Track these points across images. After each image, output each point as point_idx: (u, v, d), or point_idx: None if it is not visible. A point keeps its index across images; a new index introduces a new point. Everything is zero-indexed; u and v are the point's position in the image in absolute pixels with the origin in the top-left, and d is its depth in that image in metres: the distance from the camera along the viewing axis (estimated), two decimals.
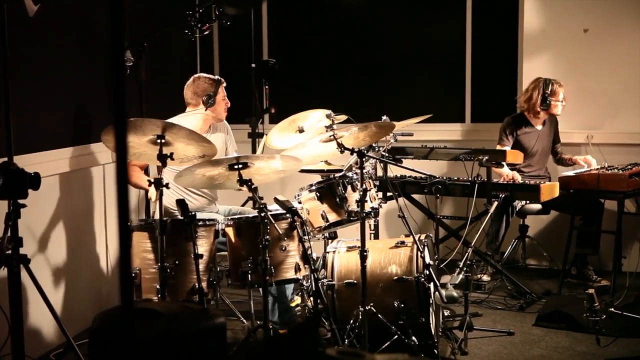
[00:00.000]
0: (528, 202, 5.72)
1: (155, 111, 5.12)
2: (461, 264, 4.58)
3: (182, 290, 3.98)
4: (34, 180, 3.54)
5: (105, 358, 2.24)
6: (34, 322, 4.32)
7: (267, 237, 3.91)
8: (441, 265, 5.26)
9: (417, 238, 4.25)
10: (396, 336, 4.11)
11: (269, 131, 5.10)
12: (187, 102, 4.91)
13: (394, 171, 5.68)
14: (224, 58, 7.00)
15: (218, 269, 4.16)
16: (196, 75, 4.94)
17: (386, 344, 4.10)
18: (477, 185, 5.27)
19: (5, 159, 3.60)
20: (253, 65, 6.11)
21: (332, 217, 4.29)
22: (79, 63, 4.80)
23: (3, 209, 3.53)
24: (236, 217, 4.28)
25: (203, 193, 4.85)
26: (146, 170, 4.82)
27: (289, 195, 4.48)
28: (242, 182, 3.90)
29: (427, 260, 4.23)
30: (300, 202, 4.36)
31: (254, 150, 6.02)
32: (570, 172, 5.58)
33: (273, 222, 3.95)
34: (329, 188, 4.31)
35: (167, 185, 3.96)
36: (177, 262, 3.95)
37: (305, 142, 4.48)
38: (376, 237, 5.17)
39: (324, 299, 4.15)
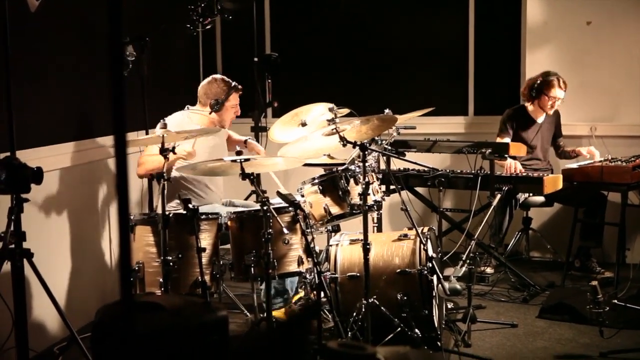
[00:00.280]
0: (531, 194, 5.71)
1: (158, 106, 5.13)
2: (464, 257, 4.58)
3: (185, 284, 3.99)
4: (37, 175, 3.55)
5: (107, 352, 2.24)
6: (37, 316, 4.34)
7: (270, 230, 3.92)
8: (444, 258, 5.26)
9: (419, 231, 4.25)
10: (399, 329, 4.12)
11: (272, 125, 5.09)
12: (198, 98, 4.91)
13: (397, 164, 5.68)
14: (226, 52, 6.99)
15: (221, 262, 4.17)
16: (214, 76, 4.92)
17: (389, 337, 4.10)
18: (480, 177, 5.26)
19: (8, 153, 3.60)
20: (256, 59, 6.11)
21: (335, 210, 4.29)
22: (81, 58, 4.81)
23: (6, 203, 3.54)
24: (239, 210, 4.29)
25: (215, 188, 4.86)
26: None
27: (292, 188, 4.48)
28: (244, 175, 3.90)
29: (430, 253, 4.23)
30: (302, 196, 4.36)
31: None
32: (573, 165, 5.57)
33: (276, 215, 3.95)
34: (332, 181, 4.31)
35: (169, 179, 3.96)
36: (180, 255, 3.96)
37: (308, 135, 4.48)
38: (379, 230, 5.18)
39: (327, 291, 4.15)
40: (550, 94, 5.69)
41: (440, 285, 4.12)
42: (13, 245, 3.52)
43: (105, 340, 2.29)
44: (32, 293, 4.19)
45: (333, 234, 4.68)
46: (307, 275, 4.35)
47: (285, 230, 3.97)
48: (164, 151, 3.95)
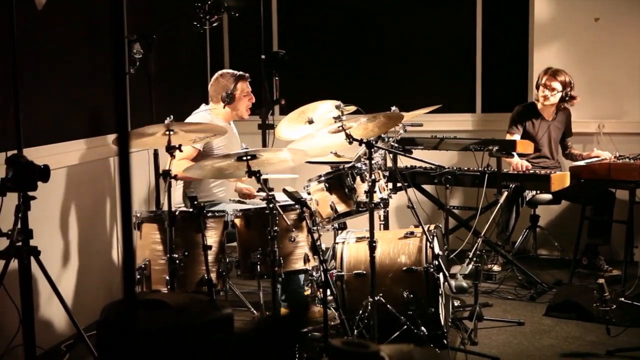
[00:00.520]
0: (538, 192, 5.70)
1: (165, 104, 5.14)
2: (471, 254, 4.57)
3: (191, 282, 3.99)
4: (44, 173, 3.56)
5: (111, 349, 2.25)
6: (44, 314, 4.35)
7: (276, 228, 3.92)
8: (451, 256, 5.26)
9: (426, 228, 4.25)
10: (405, 326, 4.12)
11: (279, 122, 5.10)
12: (210, 99, 4.93)
13: (403, 162, 5.67)
14: (233, 49, 7.00)
15: (227, 259, 4.17)
16: (218, 73, 4.94)
17: (395, 334, 4.10)
18: (487, 175, 5.25)
19: (15, 151, 3.62)
20: (263, 56, 6.10)
21: (341, 207, 4.29)
22: (88, 55, 4.82)
23: (13, 201, 3.55)
24: (245, 208, 4.29)
25: (224, 186, 4.87)
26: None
27: (298, 186, 4.49)
28: (250, 173, 3.90)
29: (437, 250, 4.23)
30: (309, 193, 4.37)
31: (264, 142, 6.02)
32: (581, 162, 5.55)
33: (281, 213, 3.95)
34: (338, 179, 4.31)
35: (175, 177, 3.97)
36: (186, 253, 3.97)
37: (314, 133, 4.48)
38: (386, 227, 5.17)
39: (333, 289, 4.15)
40: (541, 81, 5.73)
41: (446, 283, 4.12)
42: (20, 243, 3.53)
43: (109, 338, 2.30)
44: (39, 291, 4.21)
45: (339, 231, 4.68)
46: (314, 273, 4.36)
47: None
48: (170, 149, 3.94)
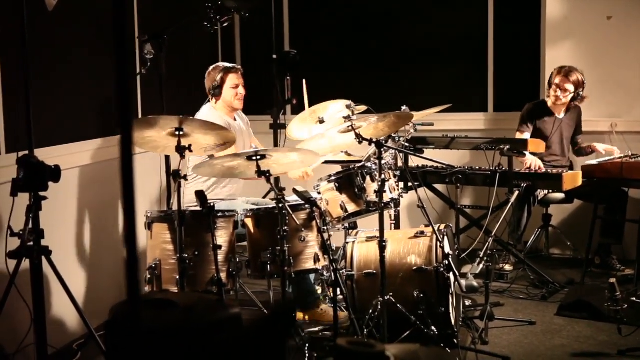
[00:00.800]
0: (550, 191, 5.68)
1: (177, 104, 5.15)
2: (482, 254, 4.56)
3: (202, 281, 4.00)
4: (55, 173, 3.59)
5: (119, 349, 2.26)
6: (56, 313, 4.38)
7: (286, 227, 3.93)
8: (463, 255, 5.24)
9: (436, 228, 4.25)
10: (415, 326, 4.12)
11: (290, 122, 5.10)
12: (208, 94, 4.96)
13: (414, 161, 5.67)
14: (245, 49, 7.02)
15: (238, 259, 4.18)
16: (212, 66, 4.96)
17: (405, 334, 4.10)
18: (498, 174, 5.24)
19: (26, 152, 3.64)
20: (274, 56, 6.12)
21: (351, 207, 4.29)
22: (100, 55, 4.83)
23: (24, 201, 3.58)
24: (255, 207, 4.30)
25: (235, 185, 4.89)
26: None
27: (309, 186, 4.49)
28: (260, 173, 3.91)
29: (447, 250, 4.23)
30: (319, 193, 4.37)
31: (275, 142, 6.04)
32: (593, 161, 5.52)
33: (291, 212, 3.96)
34: (348, 178, 4.31)
35: (185, 177, 3.98)
36: (196, 253, 3.97)
37: (325, 132, 4.48)
38: (397, 227, 5.18)
39: (343, 289, 4.16)
40: (552, 81, 5.71)
41: (457, 282, 4.11)
42: (31, 243, 3.55)
43: (117, 338, 2.31)
44: (50, 290, 4.24)
45: (350, 231, 4.68)
46: (324, 273, 4.36)
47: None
48: (179, 149, 3.94)
